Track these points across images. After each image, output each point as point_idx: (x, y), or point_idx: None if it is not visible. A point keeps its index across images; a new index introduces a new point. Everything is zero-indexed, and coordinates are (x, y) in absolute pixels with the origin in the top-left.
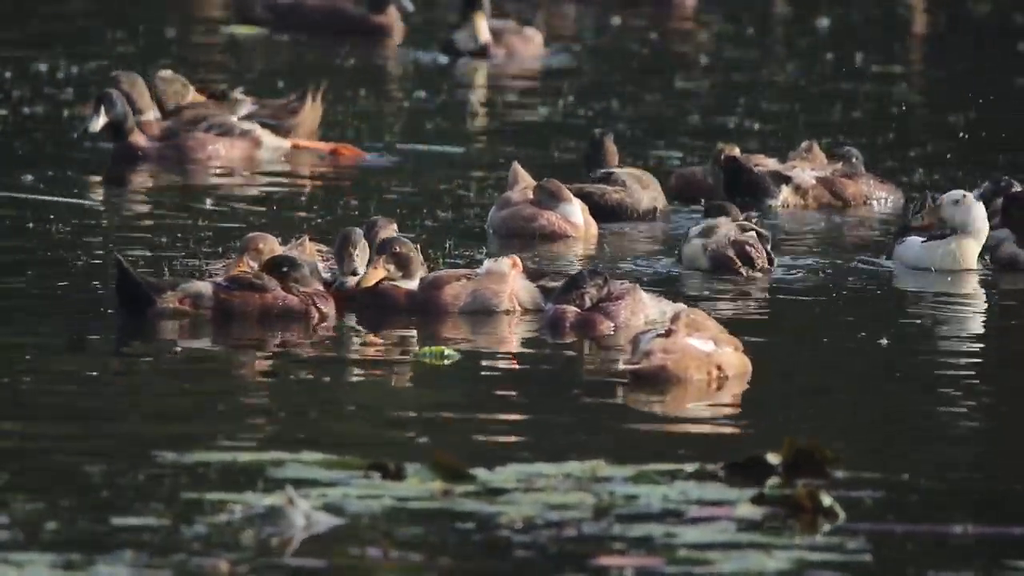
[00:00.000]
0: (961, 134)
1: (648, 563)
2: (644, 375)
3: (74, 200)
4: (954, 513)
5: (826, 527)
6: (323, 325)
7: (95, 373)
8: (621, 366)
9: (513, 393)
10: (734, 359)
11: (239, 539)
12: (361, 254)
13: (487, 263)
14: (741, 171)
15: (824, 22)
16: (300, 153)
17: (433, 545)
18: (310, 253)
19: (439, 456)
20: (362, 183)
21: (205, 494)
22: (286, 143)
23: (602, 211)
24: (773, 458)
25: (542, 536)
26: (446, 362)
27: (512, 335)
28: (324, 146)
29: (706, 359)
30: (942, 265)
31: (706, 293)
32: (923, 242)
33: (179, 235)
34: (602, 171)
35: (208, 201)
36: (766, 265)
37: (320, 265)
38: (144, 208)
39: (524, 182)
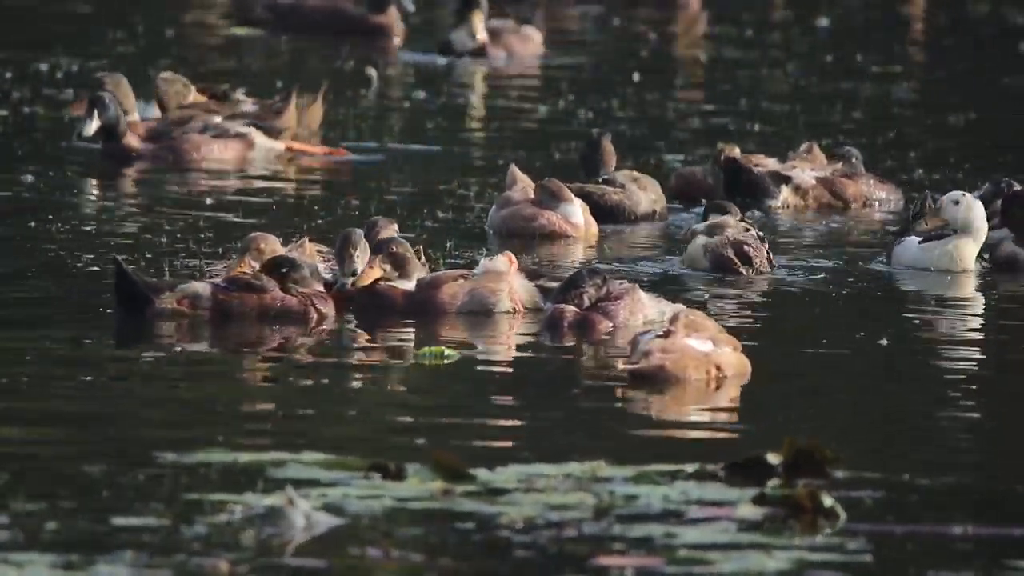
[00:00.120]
0: (959, 133)
1: (648, 563)
2: (643, 375)
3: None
4: (954, 513)
5: (826, 527)
6: (322, 326)
7: (95, 373)
8: (620, 366)
9: (513, 393)
10: (733, 359)
11: (239, 539)
12: (361, 255)
13: (483, 262)
14: (741, 171)
15: (824, 22)
16: (293, 155)
17: (433, 545)
18: (310, 254)
19: (439, 456)
20: (362, 183)
21: (205, 494)
22: (279, 145)
23: (601, 212)
24: (773, 458)
25: (542, 536)
26: (446, 362)
27: (511, 335)
28: (318, 149)
29: (705, 359)
30: (939, 265)
31: (706, 294)
32: (920, 243)
33: (179, 236)
34: (604, 176)
35: (207, 201)
36: (766, 265)
37: (321, 266)
38: (143, 209)
39: (522, 183)
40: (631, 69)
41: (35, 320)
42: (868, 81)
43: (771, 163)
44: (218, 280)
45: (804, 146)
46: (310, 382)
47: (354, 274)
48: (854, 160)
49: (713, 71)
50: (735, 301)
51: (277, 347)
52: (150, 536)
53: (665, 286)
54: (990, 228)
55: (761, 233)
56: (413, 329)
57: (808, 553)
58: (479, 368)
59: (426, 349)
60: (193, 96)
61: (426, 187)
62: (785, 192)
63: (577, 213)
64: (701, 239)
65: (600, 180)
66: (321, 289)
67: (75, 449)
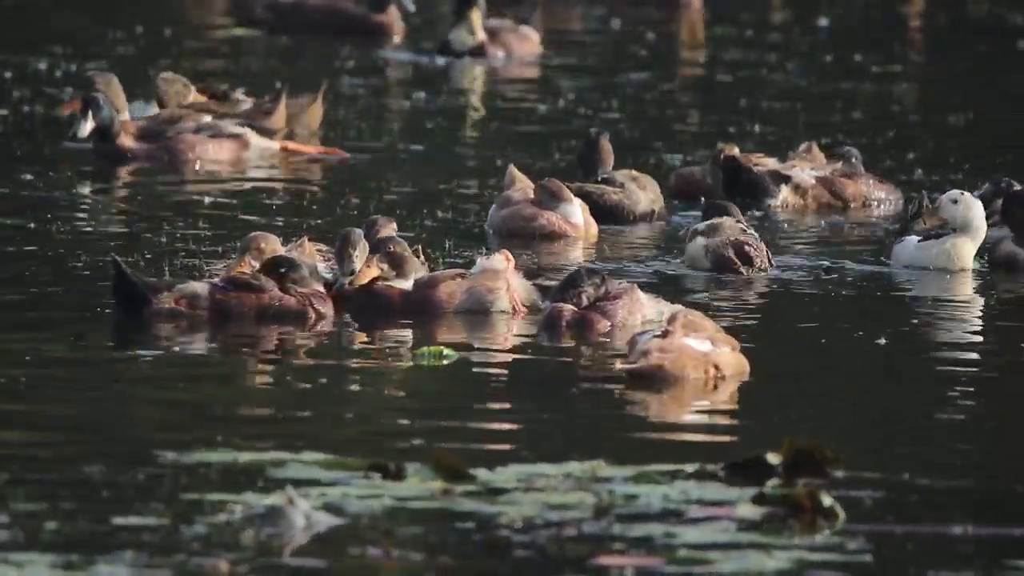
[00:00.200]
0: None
1: (648, 563)
2: (641, 375)
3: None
4: (954, 513)
5: (826, 527)
6: (321, 326)
7: (94, 373)
8: (618, 366)
9: (512, 393)
10: (731, 359)
11: (239, 539)
12: (361, 254)
13: (480, 261)
14: (740, 171)
15: (824, 22)
16: (288, 155)
17: (433, 545)
18: (310, 253)
19: (439, 456)
20: (362, 183)
21: (205, 494)
22: (274, 145)
23: (600, 211)
24: (773, 458)
25: (542, 536)
26: (445, 362)
27: (509, 334)
28: (312, 149)
29: (703, 359)
30: (937, 264)
31: (705, 293)
32: (919, 242)
33: (178, 236)
34: (602, 175)
35: (206, 201)
36: (766, 265)
37: (321, 266)
38: (141, 209)
39: (520, 183)
40: (631, 69)
41: (34, 320)
42: (868, 81)
43: (771, 162)
44: (216, 280)
45: (803, 146)
46: (310, 382)
47: (353, 273)
48: (854, 160)
49: (713, 71)
50: (735, 301)
51: (276, 347)
52: (150, 536)
53: (665, 286)
54: (989, 227)
55: (756, 234)
56: (412, 329)
57: (808, 553)
58: (478, 368)
59: (425, 349)
60: (193, 96)
61: (426, 187)
62: (785, 191)
63: (577, 213)
64: (702, 239)
65: (599, 179)
66: (321, 289)
67: (75, 449)
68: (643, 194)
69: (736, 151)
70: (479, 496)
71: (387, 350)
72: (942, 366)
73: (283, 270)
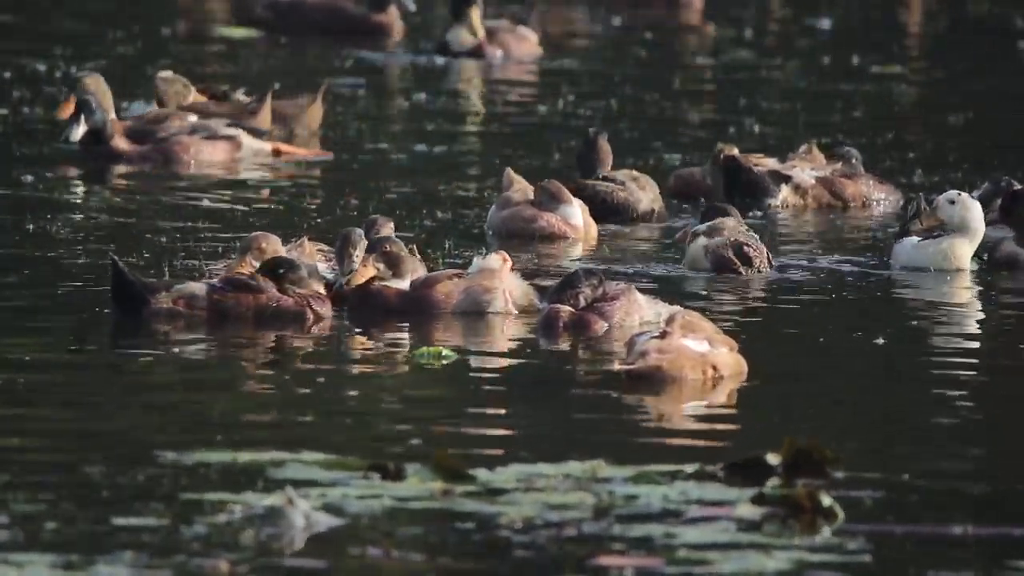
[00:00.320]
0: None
1: (648, 563)
2: (639, 375)
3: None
4: (954, 513)
5: (826, 527)
6: (320, 326)
7: (93, 373)
8: (616, 367)
9: (512, 393)
10: (729, 359)
11: (239, 539)
12: (361, 254)
13: (477, 261)
14: (740, 170)
15: (825, 22)
16: (280, 156)
17: (433, 545)
18: (309, 254)
19: (439, 456)
20: (361, 183)
21: (205, 494)
22: (267, 146)
23: (606, 209)
24: (773, 458)
25: (542, 536)
26: (444, 362)
27: (507, 335)
28: (305, 151)
29: (701, 359)
30: (934, 264)
31: (705, 294)
32: (917, 241)
33: (178, 236)
34: (602, 175)
35: (204, 202)
36: (766, 265)
37: (322, 266)
38: (140, 210)
39: (519, 185)
40: (630, 69)
41: (33, 320)
42: (868, 81)
43: (771, 162)
44: (214, 281)
45: (803, 148)
46: (309, 382)
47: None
48: (853, 160)
49: (713, 71)
50: (735, 302)
51: (275, 347)
52: (150, 536)
53: (665, 287)
54: (989, 227)
55: (756, 236)
56: (410, 329)
57: (807, 553)
58: (477, 368)
59: (424, 349)
60: (193, 96)
61: (426, 187)
62: (785, 191)
63: (576, 215)
64: (702, 240)
65: (598, 178)
66: (320, 289)
67: (75, 450)
68: (644, 194)
69: (736, 151)
70: (479, 496)
71: (386, 350)
72: (942, 366)
73: (281, 271)
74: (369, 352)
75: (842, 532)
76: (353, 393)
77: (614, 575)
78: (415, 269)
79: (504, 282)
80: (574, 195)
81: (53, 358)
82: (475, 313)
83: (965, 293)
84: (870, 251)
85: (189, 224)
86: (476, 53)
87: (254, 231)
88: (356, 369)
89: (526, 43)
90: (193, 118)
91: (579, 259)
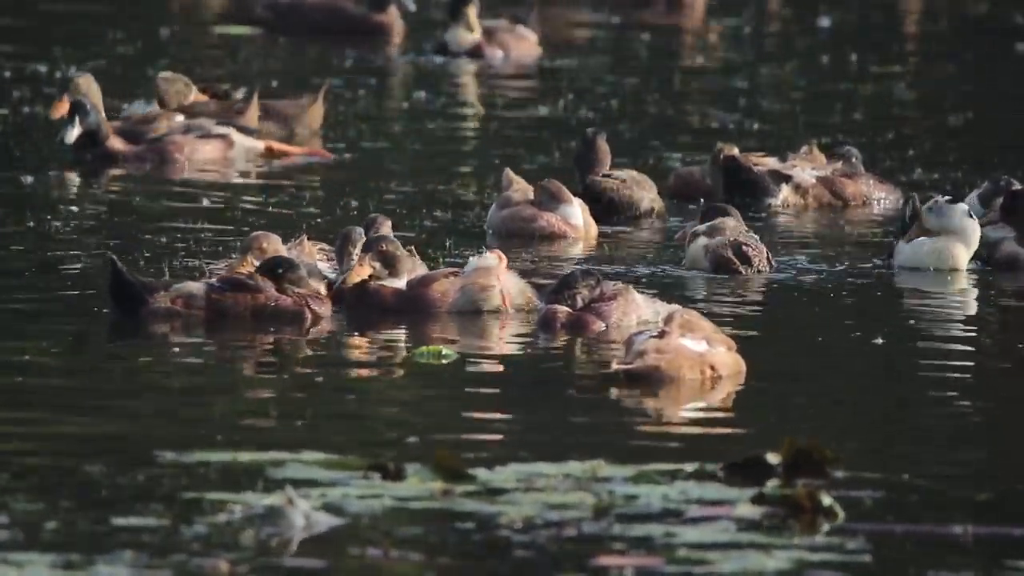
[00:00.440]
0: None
1: (648, 563)
2: (638, 375)
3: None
4: (954, 513)
5: (826, 527)
6: (318, 326)
7: (93, 373)
8: (614, 366)
9: (512, 393)
10: (728, 359)
11: (239, 539)
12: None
13: (473, 260)
14: (740, 170)
15: (825, 22)
16: (273, 155)
17: (433, 545)
18: (309, 253)
19: (439, 456)
20: (361, 183)
21: (205, 494)
22: (259, 145)
23: (611, 206)
24: (773, 458)
25: (542, 536)
26: (444, 362)
27: (505, 335)
28: (297, 149)
29: (699, 359)
30: (929, 263)
31: (705, 294)
32: (912, 241)
33: (178, 236)
34: (602, 174)
35: (204, 201)
36: (765, 265)
37: (323, 265)
38: (140, 210)
39: (518, 184)
40: (630, 69)
41: (32, 320)
42: (868, 81)
43: (771, 162)
44: (213, 280)
45: (804, 148)
46: (309, 382)
47: None
48: (854, 160)
49: (713, 71)
50: (735, 301)
51: (274, 347)
52: (150, 536)
53: (665, 287)
54: (989, 226)
55: (756, 236)
56: (409, 328)
57: (807, 553)
58: (477, 368)
59: (424, 348)
60: (194, 96)
61: (426, 187)
62: (785, 191)
63: (576, 214)
64: (702, 240)
65: (598, 176)
66: (322, 289)
67: (75, 449)
68: (644, 193)
69: (736, 151)
70: (479, 496)
71: (385, 350)
72: (942, 366)
73: (280, 271)
74: (368, 351)
75: (842, 532)
76: (353, 393)
77: (614, 575)
78: (413, 268)
79: (500, 281)
80: (581, 193)
81: (52, 358)
82: (472, 312)
83: (965, 293)
84: (870, 251)
85: (189, 224)
86: (475, 53)
87: (254, 231)
88: (356, 369)
89: (525, 43)
90: (180, 118)
91: (579, 259)
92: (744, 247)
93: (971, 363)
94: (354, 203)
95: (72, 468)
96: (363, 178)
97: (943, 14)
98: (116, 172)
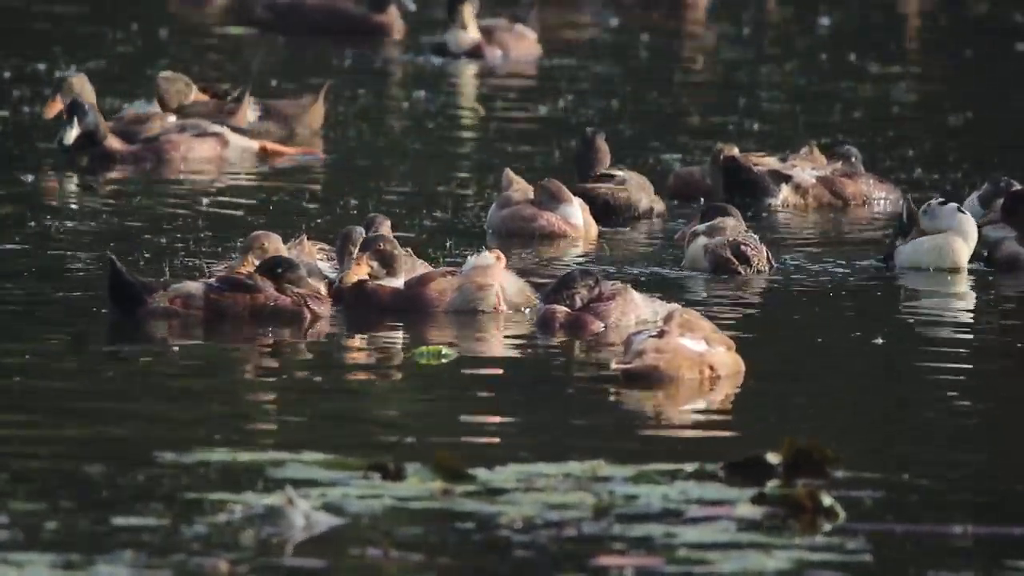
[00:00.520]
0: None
1: (648, 563)
2: (636, 375)
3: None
4: (954, 513)
5: (826, 527)
6: (317, 326)
7: (93, 373)
8: (613, 366)
9: (512, 393)
10: (727, 359)
11: (239, 539)
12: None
13: (470, 259)
14: (740, 170)
15: (825, 22)
16: (267, 155)
17: (433, 545)
18: (309, 253)
19: (439, 456)
20: (361, 183)
21: (205, 494)
22: (253, 144)
23: (608, 209)
24: (773, 458)
25: (542, 536)
26: (443, 361)
27: (504, 334)
28: (292, 149)
29: (698, 359)
30: (930, 260)
31: (705, 294)
32: (912, 240)
33: (178, 236)
34: (599, 174)
35: (204, 200)
36: (764, 265)
37: (324, 265)
38: (138, 210)
39: (519, 184)
40: (629, 69)
41: (31, 320)
42: (868, 81)
43: (771, 162)
44: (212, 280)
45: (804, 149)
46: (308, 382)
47: None
48: (853, 159)
49: (713, 71)
50: (734, 301)
51: (273, 347)
52: (150, 536)
53: (665, 287)
54: (989, 226)
55: (756, 236)
56: (408, 328)
57: (808, 553)
58: (476, 368)
59: (423, 348)
60: (195, 95)
61: (426, 187)
62: (785, 191)
63: (576, 214)
64: (702, 240)
65: (593, 177)
66: (322, 288)
67: (75, 449)
68: (643, 193)
69: (735, 151)
70: (479, 496)
71: (385, 349)
72: (942, 366)
73: (279, 270)
74: (368, 351)
75: (842, 532)
76: (353, 393)
77: (614, 575)
78: (413, 268)
79: (498, 280)
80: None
81: (51, 358)
82: (469, 311)
83: (965, 293)
84: (870, 251)
85: (189, 224)
86: (474, 54)
87: (255, 230)
88: (355, 368)
89: (525, 42)
90: (173, 118)
91: (579, 258)
92: (743, 247)
93: (971, 363)
94: (354, 203)
95: (72, 468)
96: (363, 178)
97: (943, 14)
98: (114, 172)
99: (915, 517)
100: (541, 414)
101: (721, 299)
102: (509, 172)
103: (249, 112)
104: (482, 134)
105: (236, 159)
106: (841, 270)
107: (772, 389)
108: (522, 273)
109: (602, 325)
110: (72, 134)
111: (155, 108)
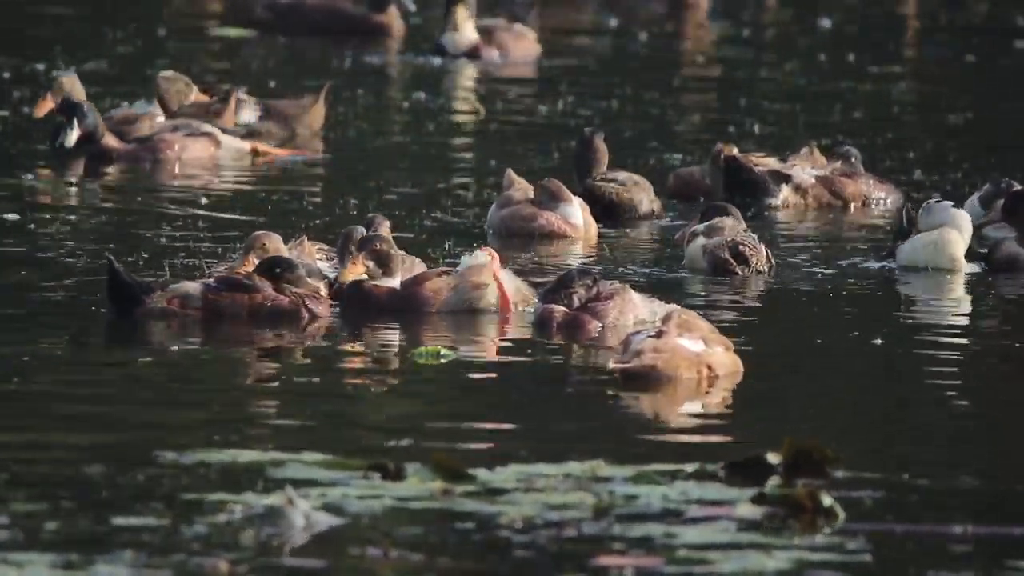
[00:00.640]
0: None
1: (648, 563)
2: (634, 374)
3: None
4: (954, 513)
5: (826, 527)
6: (315, 325)
7: (92, 373)
8: (611, 365)
9: (511, 392)
10: (725, 359)
11: (239, 539)
12: None
13: (465, 259)
14: (741, 170)
15: (825, 22)
16: (259, 156)
17: (433, 545)
18: (309, 253)
19: (439, 456)
20: (361, 183)
21: (205, 494)
22: (244, 145)
23: (610, 209)
24: (773, 458)
25: (542, 536)
26: (442, 361)
27: (503, 334)
28: (283, 151)
29: (696, 359)
30: (928, 255)
31: (704, 294)
32: (911, 239)
33: (178, 236)
34: (600, 176)
35: (203, 200)
36: (763, 265)
37: (324, 265)
38: (137, 210)
39: (519, 184)
40: (629, 69)
41: (30, 320)
42: (868, 81)
43: (771, 162)
44: (210, 280)
45: (804, 150)
46: (308, 382)
47: None
48: (853, 159)
49: (713, 71)
50: (734, 301)
51: (272, 347)
52: (150, 536)
53: (664, 287)
54: (989, 226)
55: (755, 236)
56: (406, 328)
57: (808, 553)
58: (475, 368)
59: (422, 348)
60: (195, 96)
61: (425, 187)
62: (785, 191)
63: (576, 214)
64: (700, 240)
65: (596, 178)
66: (322, 288)
67: (75, 449)
68: (643, 194)
69: (735, 151)
70: (479, 496)
71: (384, 349)
72: (942, 366)
73: (278, 270)
74: (367, 351)
75: (842, 532)
76: (352, 393)
77: (614, 575)
78: (412, 267)
79: (495, 278)
80: (581, 193)
81: (51, 358)
82: (465, 311)
83: (964, 293)
84: (870, 251)
85: (188, 224)
86: (473, 55)
87: (255, 230)
88: (354, 368)
89: (524, 41)
90: (161, 119)
91: (579, 258)
92: (741, 247)
93: (971, 363)
94: (354, 203)
95: (72, 468)
96: (363, 178)
97: (943, 14)
98: (113, 171)
99: (915, 517)
100: (541, 414)
101: (720, 299)
102: (511, 172)
103: (246, 112)
104: (482, 134)
105: (228, 159)
106: (841, 270)
107: (772, 389)
108: (522, 273)
109: (600, 325)
110: (73, 136)
111: (156, 109)
